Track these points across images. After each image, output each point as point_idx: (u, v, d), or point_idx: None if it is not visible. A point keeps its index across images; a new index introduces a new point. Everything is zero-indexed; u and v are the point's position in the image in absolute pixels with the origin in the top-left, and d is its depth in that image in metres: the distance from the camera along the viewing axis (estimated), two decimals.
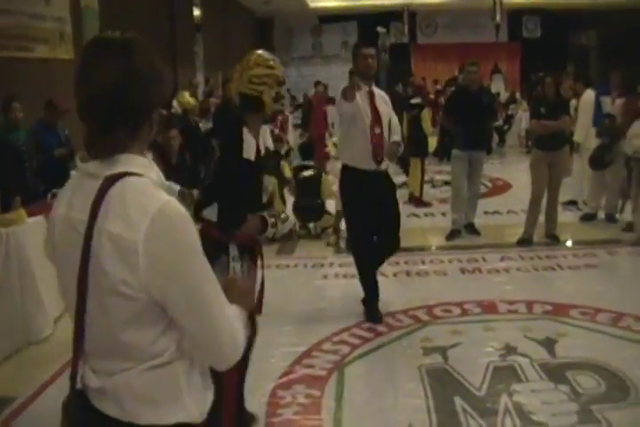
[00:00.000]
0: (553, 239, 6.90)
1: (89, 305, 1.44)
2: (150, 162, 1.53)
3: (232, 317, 1.52)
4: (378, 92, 5.02)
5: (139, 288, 1.40)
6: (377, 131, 4.82)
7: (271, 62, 3.22)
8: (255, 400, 3.73)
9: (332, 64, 23.00)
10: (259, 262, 3.37)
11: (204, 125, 9.18)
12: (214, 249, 3.01)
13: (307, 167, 7.79)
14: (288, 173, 7.98)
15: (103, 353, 1.49)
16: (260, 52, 3.30)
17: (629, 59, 14.12)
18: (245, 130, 3.18)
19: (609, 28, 20.04)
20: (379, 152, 4.82)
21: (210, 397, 1.60)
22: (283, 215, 6.77)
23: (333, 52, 24.07)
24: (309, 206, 7.35)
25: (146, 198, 1.41)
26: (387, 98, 5.08)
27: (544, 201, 6.91)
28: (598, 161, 7.40)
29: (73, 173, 1.58)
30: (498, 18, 20.77)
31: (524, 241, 6.79)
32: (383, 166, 4.90)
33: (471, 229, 7.26)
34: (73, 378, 1.52)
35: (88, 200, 1.42)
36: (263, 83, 3.17)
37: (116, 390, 1.48)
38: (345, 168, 4.97)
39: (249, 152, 3.16)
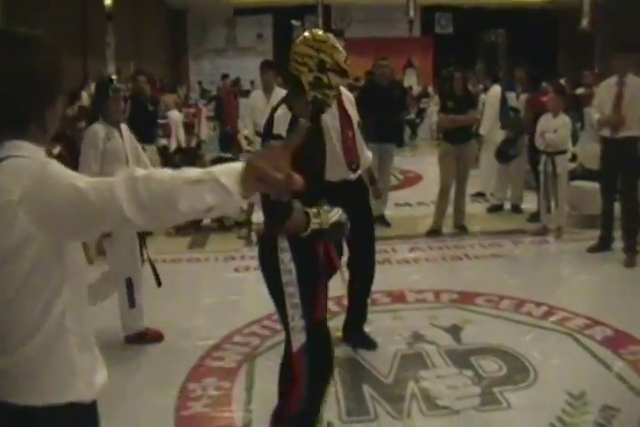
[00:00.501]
0: (461, 229, 7.11)
1: None
2: (39, 148, 1.47)
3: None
4: (345, 92, 4.36)
5: (32, 240, 1.37)
6: (349, 134, 4.15)
7: (320, 45, 2.82)
8: (165, 394, 3.71)
9: (247, 57, 22.87)
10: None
11: None
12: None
13: (224, 159, 7.76)
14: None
15: None
16: (314, 30, 2.96)
17: (534, 57, 14.69)
18: (284, 107, 2.83)
19: (517, 27, 20.76)
20: (354, 158, 4.16)
21: (101, 378, 1.58)
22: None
23: (248, 44, 23.92)
24: None
25: (24, 167, 1.39)
26: (353, 100, 4.42)
27: (453, 193, 7.10)
28: (503, 154, 7.68)
29: None
30: (411, 13, 21.19)
31: (434, 232, 6.96)
32: (356, 175, 4.22)
33: (381, 220, 7.37)
34: None
35: None
36: (304, 64, 2.80)
37: (11, 369, 1.44)
38: None
39: (279, 127, 2.74)
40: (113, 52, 14.72)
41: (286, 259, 2.80)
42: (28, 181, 1.36)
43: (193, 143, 11.38)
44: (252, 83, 16.13)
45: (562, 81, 15.09)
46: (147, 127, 7.53)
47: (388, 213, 7.58)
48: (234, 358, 4.17)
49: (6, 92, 1.41)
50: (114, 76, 4.50)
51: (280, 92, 7.24)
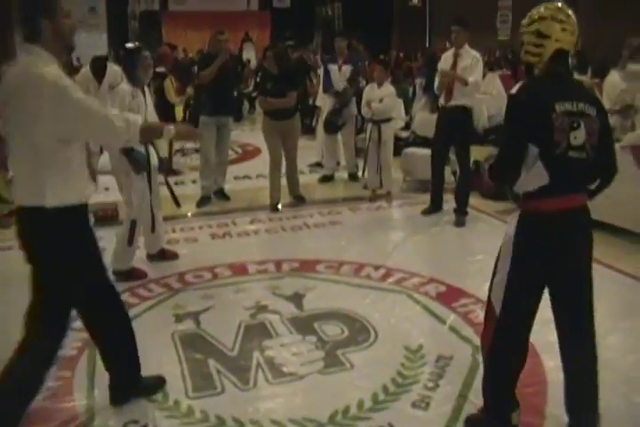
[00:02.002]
0: (299, 200, 7.12)
1: None
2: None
3: None
4: None
5: None
6: None
7: None
8: None
9: (78, 31, 21.75)
10: None
11: None
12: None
13: None
14: None
15: None
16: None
17: (369, 31, 15.07)
18: None
19: (352, 1, 21.16)
20: None
21: None
22: None
23: (79, 18, 22.67)
24: None
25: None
26: None
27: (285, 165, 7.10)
28: (331, 125, 7.81)
29: None
30: None
31: (274, 206, 6.89)
32: None
33: (221, 194, 7.32)
34: None
35: None
36: None
37: None
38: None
39: None
40: None
41: None
42: None
43: None
44: (79, 59, 15.28)
45: (399, 54, 15.69)
46: None
47: (228, 186, 7.52)
48: (73, 345, 3.99)
49: None
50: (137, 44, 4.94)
51: (112, 68, 6.91)
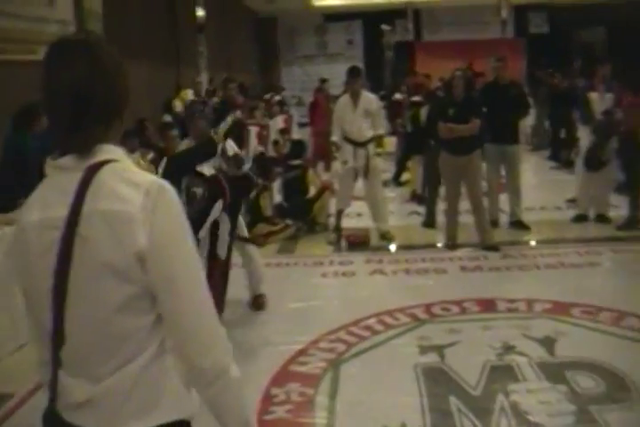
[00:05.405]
0: (492, 249, 6.35)
1: (72, 301, 1.38)
2: (125, 153, 1.52)
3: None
4: None
5: (134, 264, 1.38)
6: None
7: None
8: (247, 397, 3.68)
9: (337, 63, 22.98)
10: None
11: None
12: None
13: (292, 167, 7.75)
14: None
15: (90, 355, 1.41)
16: None
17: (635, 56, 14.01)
18: None
19: (617, 24, 19.93)
20: None
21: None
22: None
23: (338, 50, 24.03)
24: (295, 205, 7.41)
25: (135, 177, 1.42)
26: None
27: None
28: (593, 161, 7.13)
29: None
30: (504, 14, 20.79)
31: (447, 246, 6.56)
32: None
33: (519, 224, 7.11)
34: (52, 391, 1.44)
35: (66, 194, 1.39)
36: None
37: (107, 396, 1.40)
38: None
39: None
40: (206, 61, 14.98)
41: None
42: (153, 203, 1.41)
43: (286, 149, 11.48)
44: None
45: None
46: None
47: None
48: (318, 364, 4.13)
49: (85, 89, 1.42)
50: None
51: (367, 96, 7.11)
